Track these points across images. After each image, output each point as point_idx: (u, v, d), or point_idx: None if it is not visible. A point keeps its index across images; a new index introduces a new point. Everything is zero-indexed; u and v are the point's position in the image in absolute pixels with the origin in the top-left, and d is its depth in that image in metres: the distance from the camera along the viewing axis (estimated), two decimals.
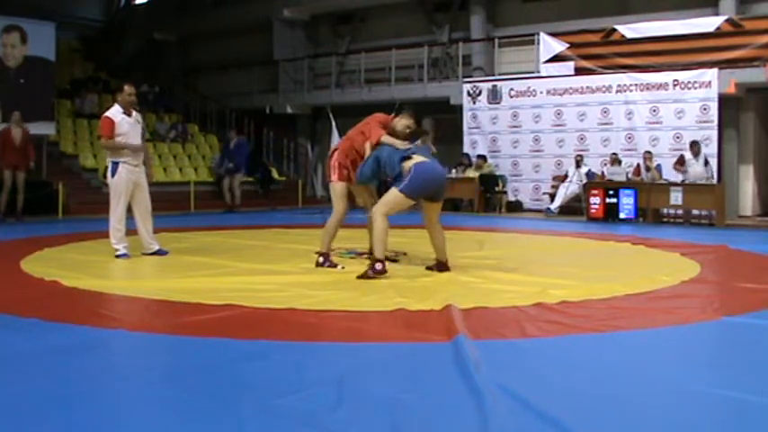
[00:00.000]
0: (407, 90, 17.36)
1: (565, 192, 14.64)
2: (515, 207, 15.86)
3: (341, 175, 7.00)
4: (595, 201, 13.23)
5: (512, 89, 16.14)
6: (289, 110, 20.02)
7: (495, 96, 16.34)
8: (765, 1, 14.20)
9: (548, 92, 15.63)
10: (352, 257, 7.52)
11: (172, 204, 14.02)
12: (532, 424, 2.88)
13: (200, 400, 3.19)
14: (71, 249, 8.36)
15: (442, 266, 6.71)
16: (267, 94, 20.40)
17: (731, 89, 13.47)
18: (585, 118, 15.18)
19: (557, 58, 15.61)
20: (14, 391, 3.30)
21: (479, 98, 16.54)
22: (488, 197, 15.71)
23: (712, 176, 12.94)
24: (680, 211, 13.20)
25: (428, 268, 6.81)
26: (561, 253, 8.94)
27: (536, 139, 15.89)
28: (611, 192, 13.10)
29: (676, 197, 12.57)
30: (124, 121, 7.59)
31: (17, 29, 14.80)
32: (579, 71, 15.32)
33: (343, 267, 6.83)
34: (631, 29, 14.76)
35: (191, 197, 15.61)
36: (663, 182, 13.08)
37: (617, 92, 14.76)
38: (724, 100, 13.70)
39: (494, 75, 16.86)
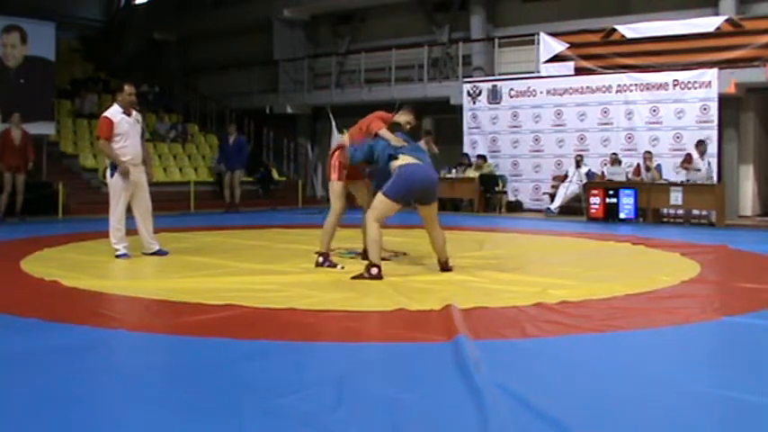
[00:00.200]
0: (407, 90, 17.34)
1: (565, 192, 14.63)
2: (515, 207, 15.85)
3: (341, 174, 7.02)
4: (595, 201, 13.22)
5: (512, 89, 16.13)
6: (289, 110, 20.01)
7: (495, 96, 16.34)
8: (765, 1, 14.19)
9: (548, 92, 15.62)
10: (351, 257, 7.52)
11: (172, 204, 14.03)
12: (532, 424, 2.88)
13: (200, 400, 3.19)
14: (71, 249, 8.36)
15: (443, 266, 6.70)
16: (267, 94, 20.39)
17: (731, 89, 13.46)
18: (585, 118, 15.17)
19: (557, 58, 15.60)
20: (14, 391, 3.30)
21: (479, 98, 16.53)
22: (488, 197, 15.71)
23: (712, 177, 12.95)
24: (680, 211, 13.20)
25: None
26: (561, 253, 8.94)
27: (536, 139, 15.88)
28: (611, 192, 13.09)
29: (676, 197, 12.57)
30: (124, 121, 7.59)
31: (17, 29, 14.78)
32: (579, 71, 15.31)
33: (342, 267, 6.83)
34: (631, 29, 14.76)
35: (191, 197, 15.61)
36: (663, 182, 13.07)
37: (617, 92, 14.75)
38: (724, 100, 13.69)
39: (494, 75, 16.86)
